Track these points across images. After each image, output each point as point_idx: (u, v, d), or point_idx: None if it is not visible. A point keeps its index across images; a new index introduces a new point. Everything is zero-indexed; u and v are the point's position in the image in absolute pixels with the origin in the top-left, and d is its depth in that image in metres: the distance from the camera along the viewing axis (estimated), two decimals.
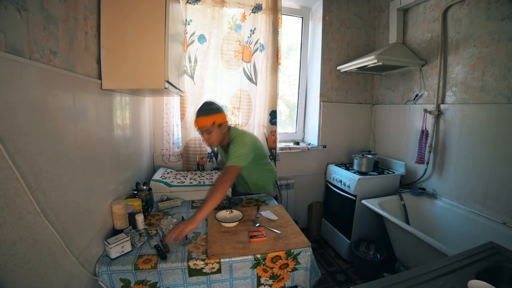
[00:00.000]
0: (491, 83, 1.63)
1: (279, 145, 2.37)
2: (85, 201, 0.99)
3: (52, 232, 0.77)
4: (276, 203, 1.74)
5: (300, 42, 2.60)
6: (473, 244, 1.06)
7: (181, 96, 1.98)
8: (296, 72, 2.66)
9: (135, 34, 1.12)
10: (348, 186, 2.16)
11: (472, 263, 0.91)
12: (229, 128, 1.60)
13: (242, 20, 2.10)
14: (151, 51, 1.14)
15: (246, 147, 1.48)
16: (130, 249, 1.13)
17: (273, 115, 2.24)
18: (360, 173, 2.20)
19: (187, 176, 1.95)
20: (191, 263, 1.08)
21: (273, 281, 1.18)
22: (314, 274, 1.27)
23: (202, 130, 1.49)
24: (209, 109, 1.48)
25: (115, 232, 1.22)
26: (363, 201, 1.97)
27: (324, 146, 2.55)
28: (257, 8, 2.10)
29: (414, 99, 2.19)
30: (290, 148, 2.41)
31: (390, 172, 2.25)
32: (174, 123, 2.12)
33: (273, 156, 2.28)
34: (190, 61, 2.03)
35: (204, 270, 1.09)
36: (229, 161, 1.42)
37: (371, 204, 1.91)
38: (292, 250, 1.17)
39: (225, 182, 1.35)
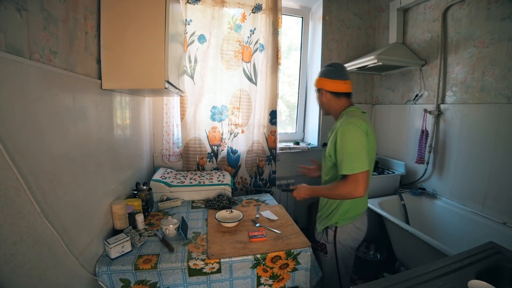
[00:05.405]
0: (491, 83, 1.63)
1: (279, 145, 2.36)
2: (85, 201, 0.99)
3: (52, 232, 0.77)
4: (276, 203, 1.74)
5: (300, 42, 2.59)
6: (473, 244, 1.06)
7: (181, 96, 1.98)
8: (296, 72, 2.66)
9: (135, 34, 1.12)
10: None
11: (472, 263, 0.91)
12: (348, 105, 1.27)
13: (242, 20, 2.10)
14: (151, 51, 1.14)
15: (357, 140, 1.10)
16: (130, 249, 1.13)
17: (273, 115, 2.24)
18: None
19: (187, 176, 1.95)
20: (191, 263, 1.08)
21: (273, 281, 1.18)
22: (315, 274, 1.27)
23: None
24: (322, 70, 1.30)
25: (115, 232, 1.22)
26: None
27: None
28: (257, 8, 2.10)
29: (414, 99, 2.19)
30: (290, 148, 2.41)
31: (390, 172, 2.25)
32: (174, 123, 2.12)
33: (273, 156, 2.29)
34: (190, 61, 2.03)
35: (204, 270, 1.09)
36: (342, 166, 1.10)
37: (371, 204, 1.90)
38: (292, 250, 1.17)
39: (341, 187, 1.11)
